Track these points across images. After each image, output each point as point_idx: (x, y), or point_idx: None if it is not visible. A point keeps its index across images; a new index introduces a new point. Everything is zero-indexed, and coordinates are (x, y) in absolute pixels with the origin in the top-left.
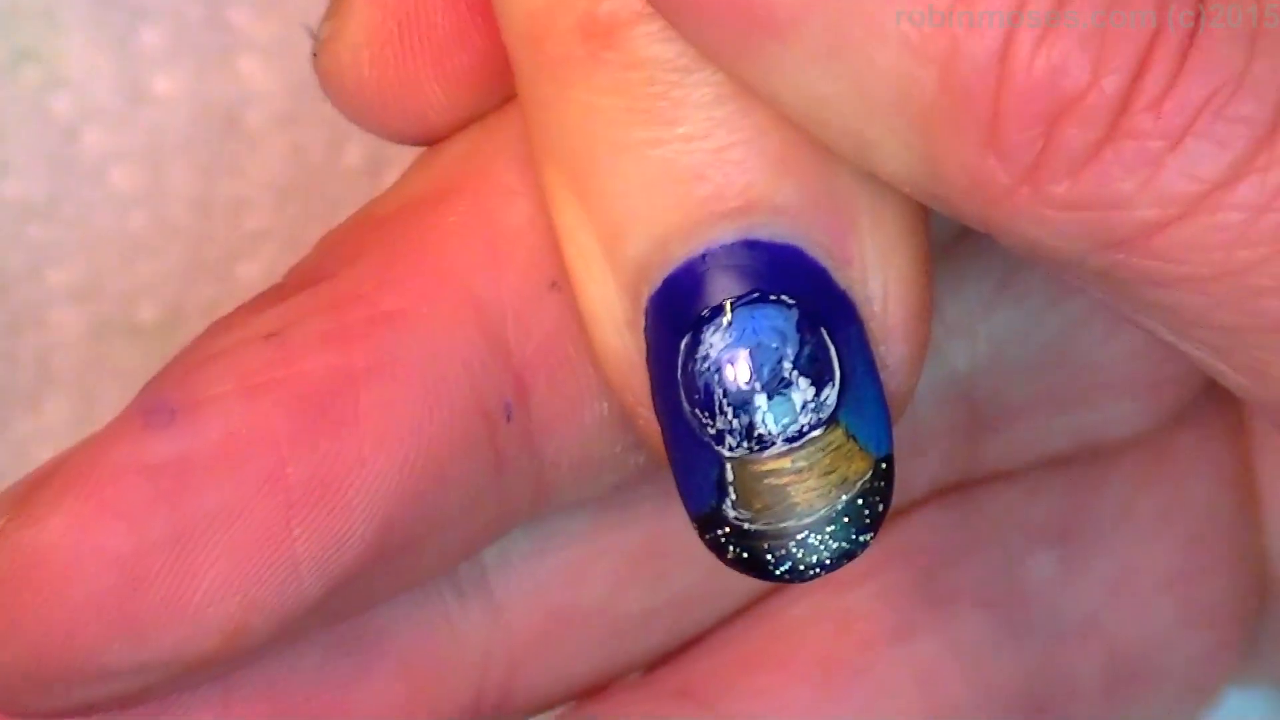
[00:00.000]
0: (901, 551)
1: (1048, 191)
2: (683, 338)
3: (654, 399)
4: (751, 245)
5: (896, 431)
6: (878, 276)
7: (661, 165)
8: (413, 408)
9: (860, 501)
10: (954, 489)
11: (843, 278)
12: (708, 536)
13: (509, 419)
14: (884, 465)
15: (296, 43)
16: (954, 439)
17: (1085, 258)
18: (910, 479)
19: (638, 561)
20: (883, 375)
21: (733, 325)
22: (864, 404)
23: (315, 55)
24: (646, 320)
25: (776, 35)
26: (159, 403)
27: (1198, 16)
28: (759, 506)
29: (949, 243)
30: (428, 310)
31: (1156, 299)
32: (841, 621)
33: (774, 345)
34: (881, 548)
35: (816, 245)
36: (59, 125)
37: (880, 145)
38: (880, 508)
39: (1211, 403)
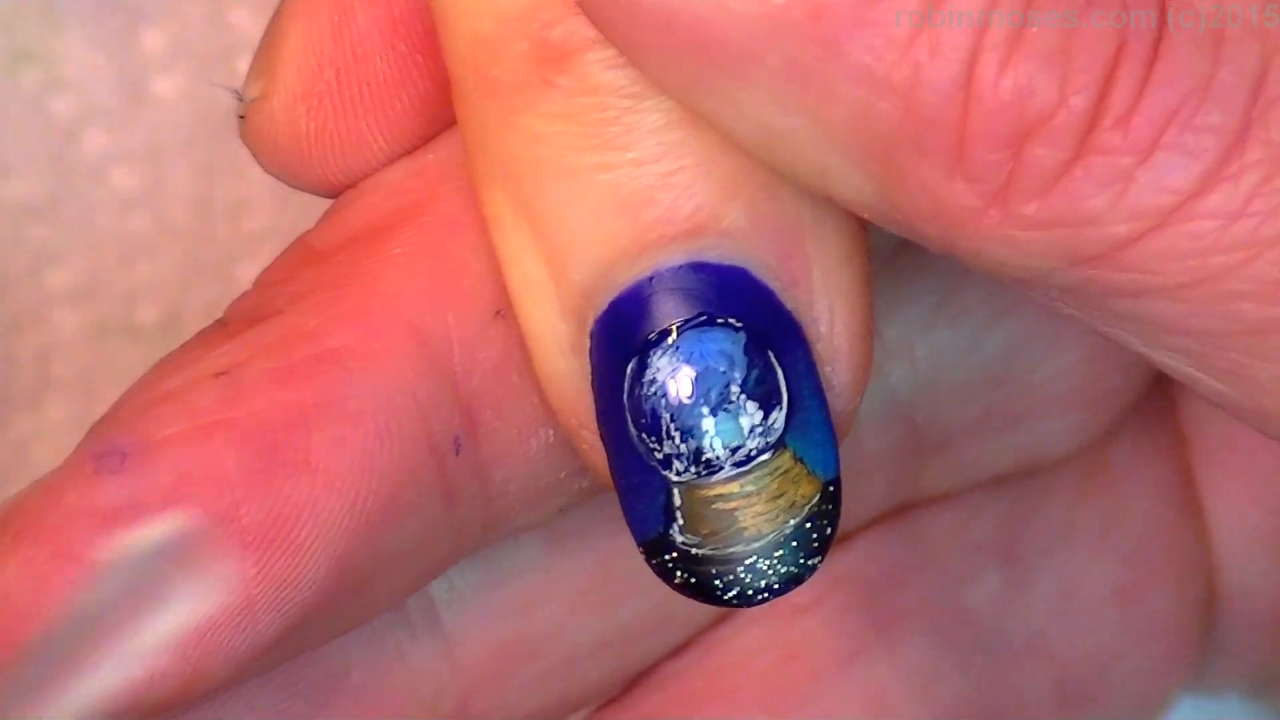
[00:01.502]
0: (846, 577)
1: (1017, 212)
2: (629, 361)
3: (599, 424)
4: (699, 268)
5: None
6: (824, 297)
7: (610, 190)
8: (364, 444)
9: (808, 525)
10: (897, 512)
11: (790, 299)
12: (654, 562)
13: (458, 452)
14: (831, 488)
15: None
16: (896, 462)
17: (1053, 274)
18: (854, 504)
19: (587, 590)
20: (829, 396)
21: (679, 349)
22: (811, 427)
23: (242, 118)
24: (592, 344)
25: (732, 71)
26: (109, 446)
27: (1161, 25)
28: (706, 532)
29: (884, 263)
30: (376, 346)
31: (1129, 310)
32: (789, 651)
33: (721, 369)
34: (827, 574)
35: (764, 267)
36: (59, 125)
37: (838, 173)
38: (828, 530)
39: (1148, 416)
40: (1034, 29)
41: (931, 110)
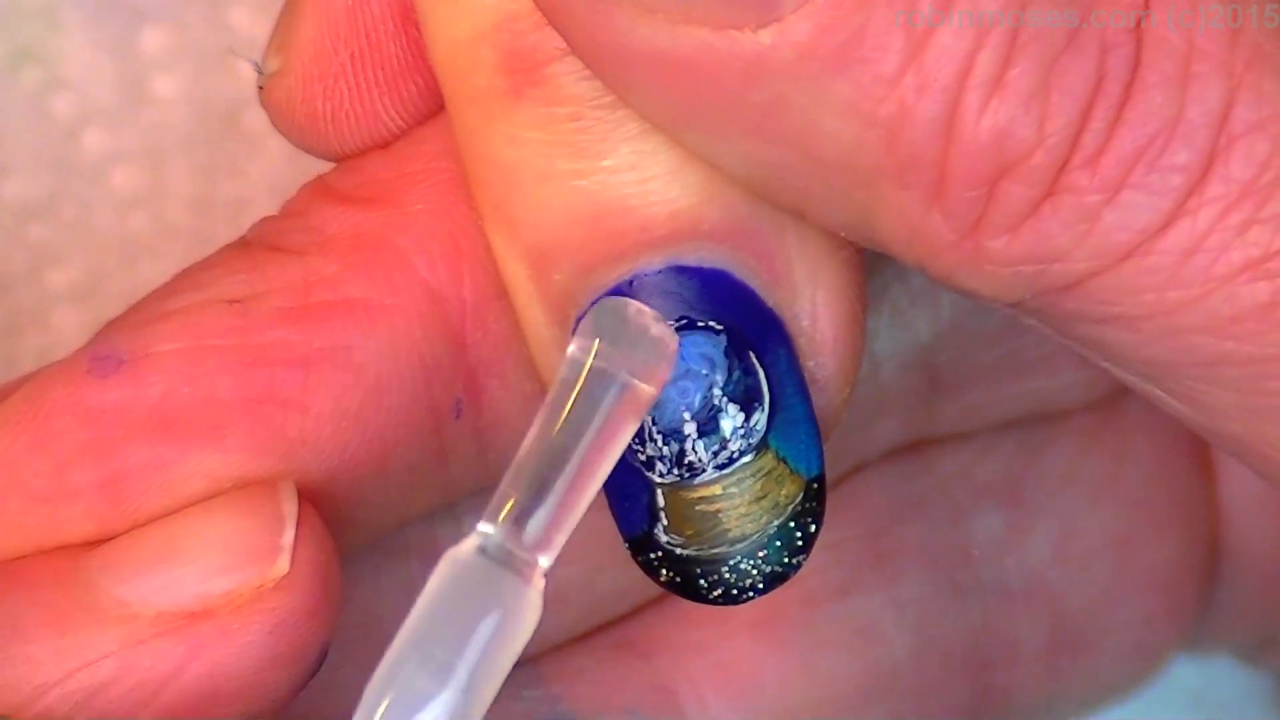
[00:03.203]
0: (850, 509)
1: (987, 247)
2: None
3: None
4: (679, 270)
5: (855, 395)
6: (806, 293)
7: (586, 197)
8: (362, 397)
9: (792, 524)
10: (908, 449)
11: (771, 297)
12: (640, 559)
13: (458, 415)
14: (815, 485)
15: None
16: (911, 402)
17: (1020, 301)
18: (867, 442)
19: (615, 545)
20: (814, 391)
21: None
22: (794, 425)
23: (261, 89)
24: None
25: (720, 108)
26: (108, 350)
27: (1135, 66)
28: (690, 532)
29: None
30: (390, 301)
31: (1090, 335)
32: None
33: (703, 372)
34: (830, 504)
35: (744, 267)
36: (59, 125)
37: (820, 200)
38: (812, 528)
39: None
40: (1016, 70)
41: (915, 146)
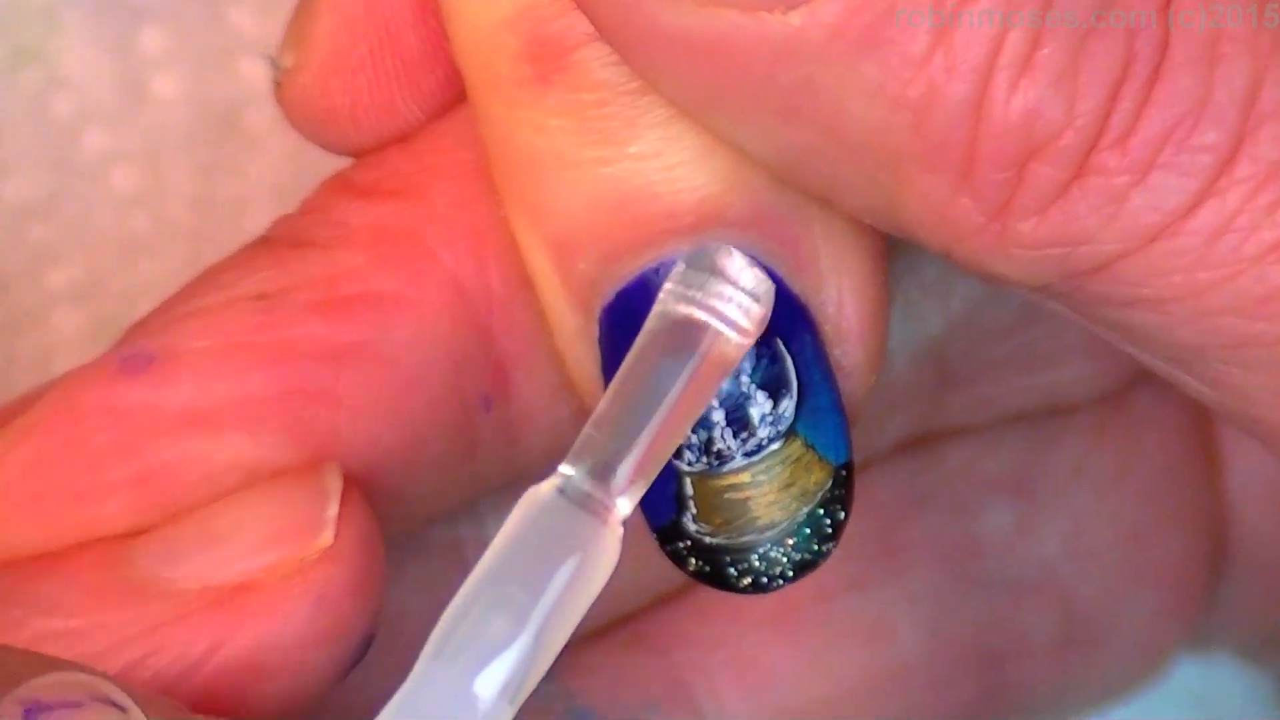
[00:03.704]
0: (860, 502)
1: (1015, 229)
2: None
3: None
4: None
5: (887, 348)
6: (832, 280)
7: (612, 184)
8: (392, 391)
9: (821, 512)
10: (917, 442)
11: (797, 284)
12: (668, 548)
13: (488, 409)
14: (844, 472)
15: None
16: (922, 395)
17: (1047, 285)
18: (877, 435)
19: (631, 539)
20: (840, 378)
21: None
22: (821, 412)
23: (278, 85)
24: (601, 331)
25: (748, 90)
26: (137, 349)
27: (1163, 46)
28: (719, 521)
29: None
30: (418, 295)
31: (1116, 318)
32: None
33: None
34: None
35: (770, 254)
36: (59, 125)
37: (846, 184)
38: (841, 515)
39: None
40: (1045, 50)
41: (943, 128)
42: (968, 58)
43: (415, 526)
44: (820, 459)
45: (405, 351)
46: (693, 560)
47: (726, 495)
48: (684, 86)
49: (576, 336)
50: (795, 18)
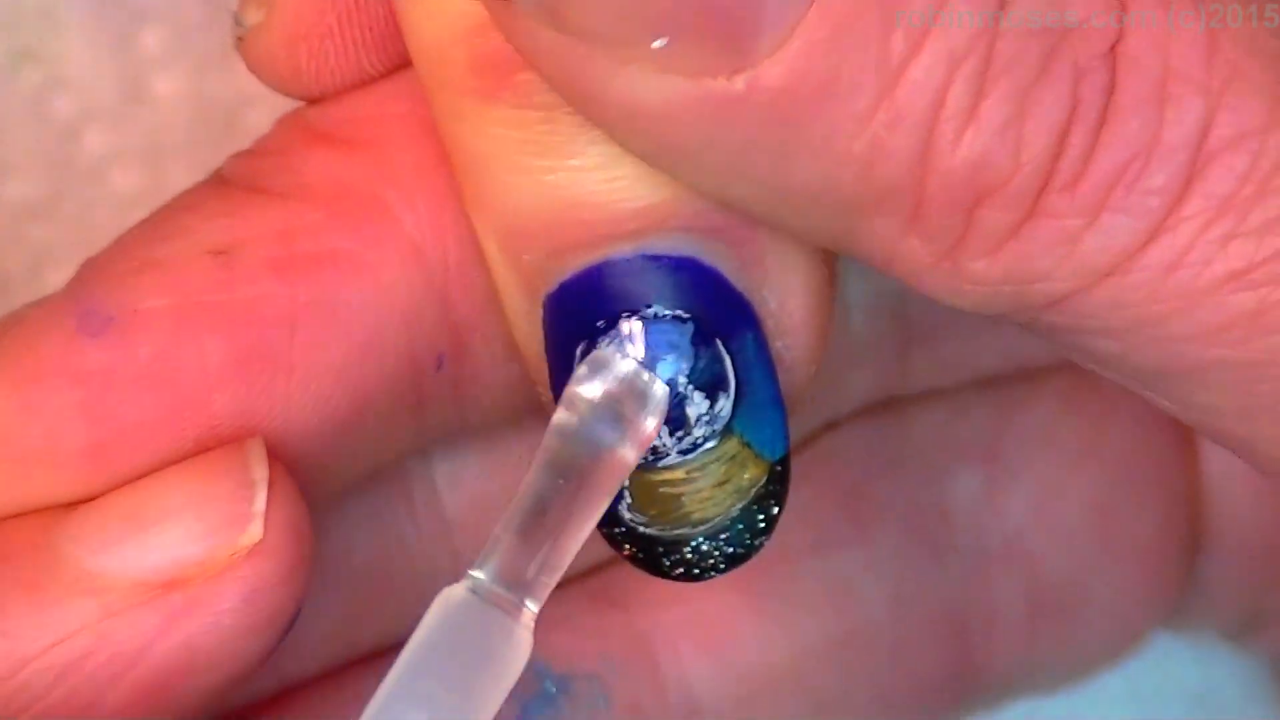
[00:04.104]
0: (828, 465)
1: (968, 268)
2: (578, 343)
3: (552, 393)
4: (648, 258)
5: (829, 345)
6: (777, 275)
7: (556, 190)
8: (346, 351)
9: (755, 507)
10: (885, 406)
11: (741, 280)
12: (604, 532)
13: (439, 368)
14: (779, 468)
15: None
16: (886, 353)
17: (1003, 315)
18: (842, 393)
19: None
20: (781, 371)
21: (627, 339)
22: (759, 409)
23: (240, 40)
24: (545, 316)
25: (697, 150)
26: (95, 304)
27: (1110, 89)
28: (654, 512)
29: None
30: (375, 255)
31: (1075, 343)
32: None
33: (668, 360)
34: (809, 460)
35: (713, 253)
36: (59, 125)
37: (796, 224)
38: (775, 510)
39: None
40: (990, 99)
41: (890, 179)
42: (912, 112)
43: (358, 478)
44: (756, 456)
45: (361, 313)
46: (627, 546)
47: (661, 490)
48: (628, 141)
49: (523, 317)
50: (739, 82)
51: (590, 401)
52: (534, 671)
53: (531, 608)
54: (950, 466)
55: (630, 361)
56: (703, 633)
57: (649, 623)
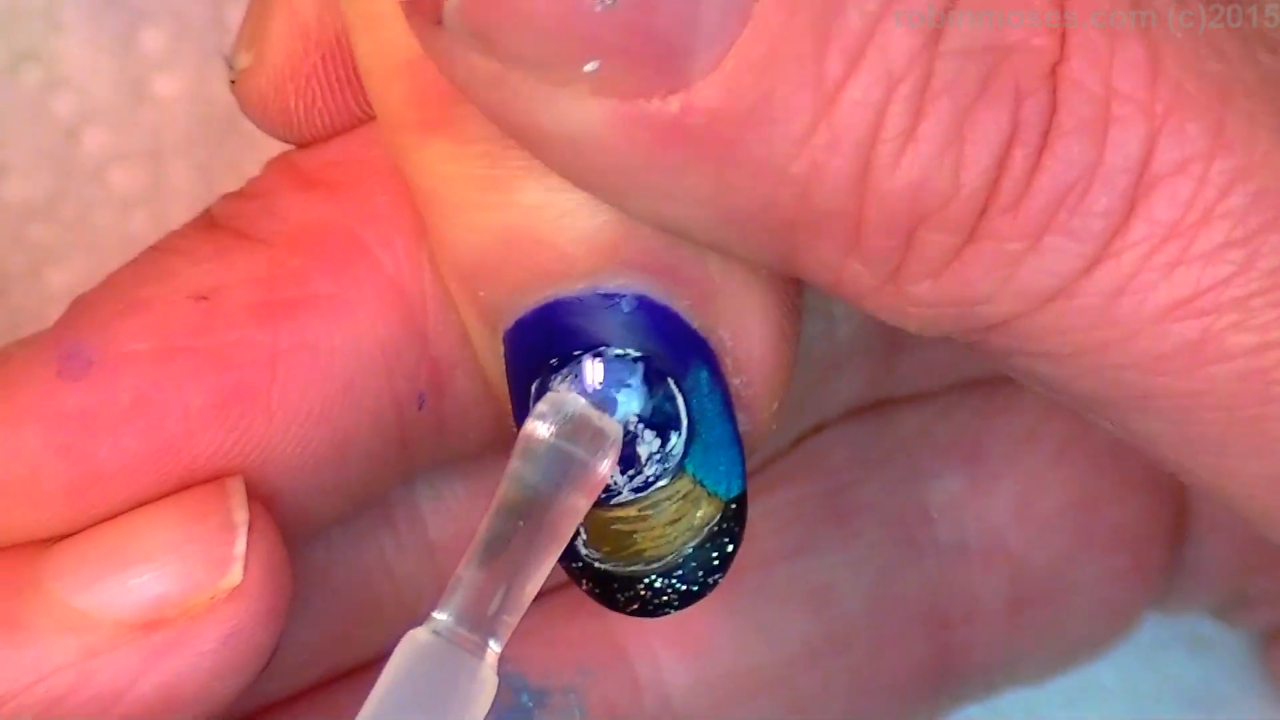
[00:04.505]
0: (810, 467)
1: (910, 291)
2: (534, 380)
3: (515, 424)
4: (600, 296)
5: (812, 351)
6: (732, 312)
7: (502, 228)
8: (327, 394)
9: (708, 545)
10: (869, 408)
11: (695, 318)
12: (564, 565)
13: (420, 407)
14: (734, 506)
15: None
16: (870, 356)
17: (948, 336)
18: (826, 397)
19: None
20: (739, 409)
21: (578, 377)
22: (713, 448)
23: (233, 83)
24: (505, 351)
25: (635, 177)
26: (75, 348)
27: (1051, 110)
28: (607, 549)
29: None
30: (355, 296)
31: (1019, 366)
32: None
33: (620, 398)
34: (791, 462)
35: (665, 291)
36: (59, 125)
37: (739, 246)
38: (729, 548)
39: None
40: (929, 120)
41: (829, 201)
42: (850, 133)
43: (342, 513)
44: (710, 494)
45: (341, 356)
46: (584, 581)
47: (614, 526)
48: (566, 168)
49: (487, 351)
50: (674, 103)
51: (544, 441)
52: (510, 686)
53: (495, 648)
54: (932, 467)
55: (583, 401)
56: (679, 639)
57: (624, 629)
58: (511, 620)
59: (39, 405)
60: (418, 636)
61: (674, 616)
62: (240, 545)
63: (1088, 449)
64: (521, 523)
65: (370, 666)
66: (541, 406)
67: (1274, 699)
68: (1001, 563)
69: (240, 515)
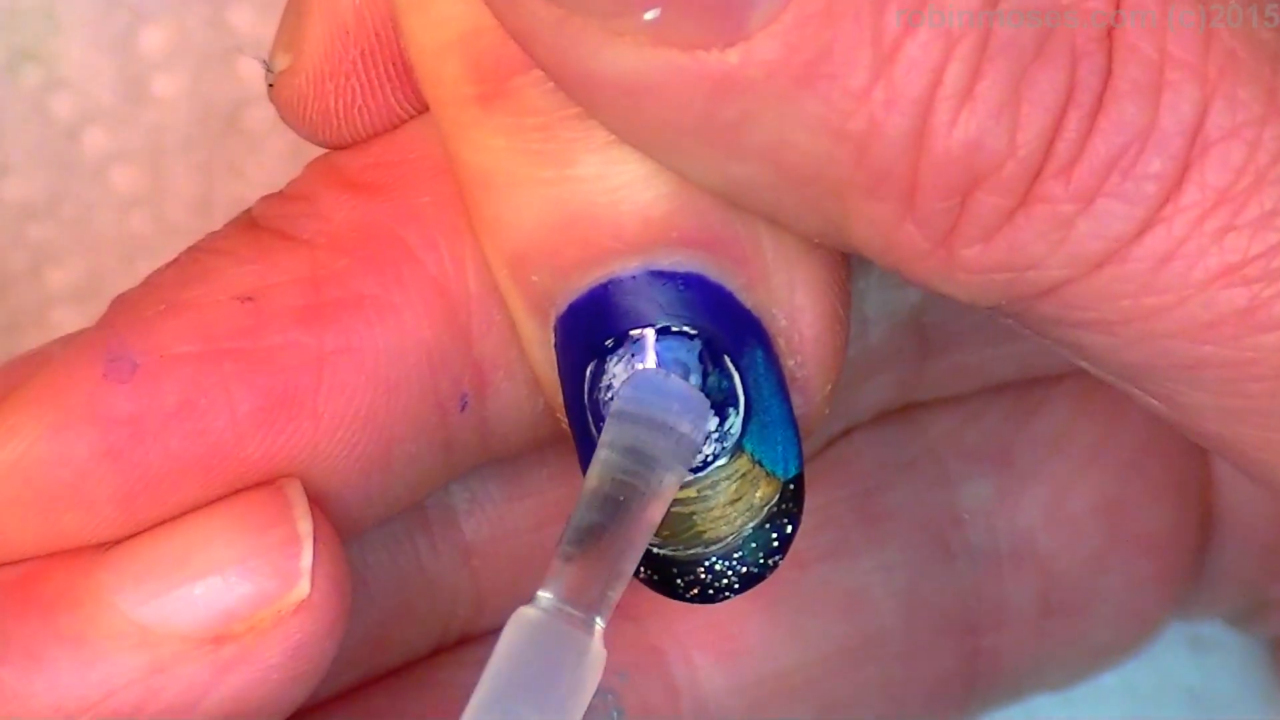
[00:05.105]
0: (840, 471)
1: (961, 255)
2: (588, 363)
3: (566, 415)
4: (654, 275)
5: (844, 364)
6: (785, 293)
7: (558, 204)
8: (372, 397)
9: (767, 526)
10: (899, 412)
11: (749, 298)
12: None
13: (463, 409)
14: (792, 487)
15: None
16: (901, 362)
17: (996, 306)
18: (856, 401)
19: None
20: (794, 390)
21: (635, 357)
22: (770, 427)
23: (271, 86)
24: (556, 339)
25: (691, 128)
26: (122, 350)
27: (1106, 73)
28: (666, 533)
29: None
30: (399, 298)
31: (1067, 337)
32: None
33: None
34: (821, 466)
35: (719, 270)
36: (59, 125)
37: (792, 210)
38: (789, 529)
39: None
40: (986, 80)
41: (885, 160)
42: (908, 90)
43: (386, 516)
44: (768, 474)
45: (386, 358)
46: (642, 569)
47: (673, 509)
48: (624, 123)
49: (535, 342)
50: (733, 55)
51: (639, 415)
52: None
53: (600, 624)
54: (962, 471)
55: (665, 372)
56: (715, 641)
57: (661, 633)
58: (614, 596)
59: (86, 409)
60: (526, 614)
61: (709, 620)
62: (307, 558)
63: (1117, 453)
64: (622, 498)
65: (404, 670)
66: (629, 383)
67: (1274, 699)
68: (1031, 567)
69: (305, 526)
